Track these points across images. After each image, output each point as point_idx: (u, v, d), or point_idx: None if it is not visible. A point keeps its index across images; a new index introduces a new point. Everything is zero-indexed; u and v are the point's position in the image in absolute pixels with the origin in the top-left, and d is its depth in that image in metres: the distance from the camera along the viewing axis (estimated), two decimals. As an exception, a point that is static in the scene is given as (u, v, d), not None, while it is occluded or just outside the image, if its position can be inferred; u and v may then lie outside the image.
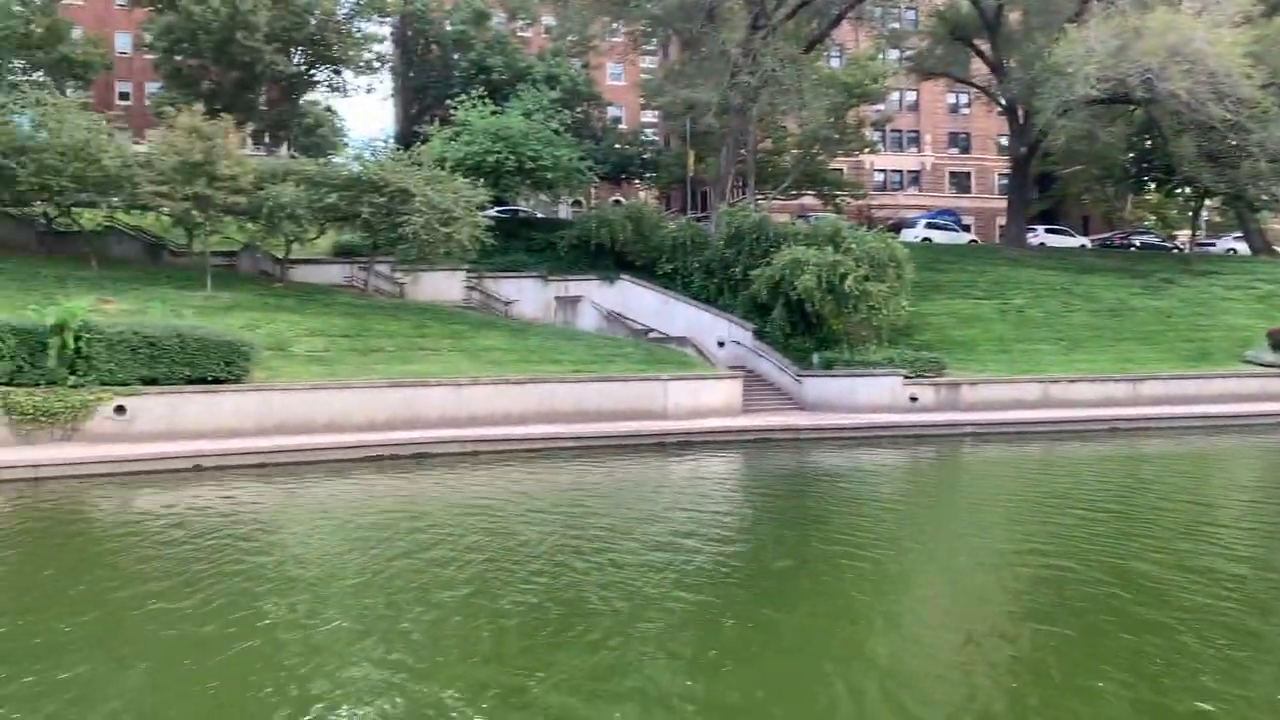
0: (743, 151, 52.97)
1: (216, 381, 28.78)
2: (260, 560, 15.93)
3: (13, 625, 12.40)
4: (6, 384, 26.65)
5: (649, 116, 73.90)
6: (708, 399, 35.18)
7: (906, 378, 37.42)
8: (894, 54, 63.41)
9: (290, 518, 20.87)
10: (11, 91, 36.90)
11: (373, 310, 37.72)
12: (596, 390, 33.53)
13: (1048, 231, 64.20)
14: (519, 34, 65.62)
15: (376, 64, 59.08)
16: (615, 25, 55.30)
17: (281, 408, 29.23)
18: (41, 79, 48.70)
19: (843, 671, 10.85)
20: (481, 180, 40.96)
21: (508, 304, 42.87)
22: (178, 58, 51.06)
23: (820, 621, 12.88)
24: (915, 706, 9.86)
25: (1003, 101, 56.76)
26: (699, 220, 50.03)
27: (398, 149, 42.02)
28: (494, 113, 46.22)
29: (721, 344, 41.15)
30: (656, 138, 71.13)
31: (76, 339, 27.06)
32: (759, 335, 40.81)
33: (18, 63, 49.50)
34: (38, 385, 26.88)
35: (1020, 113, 55.10)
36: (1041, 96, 45.37)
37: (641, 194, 67.54)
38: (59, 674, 10.42)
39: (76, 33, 53.33)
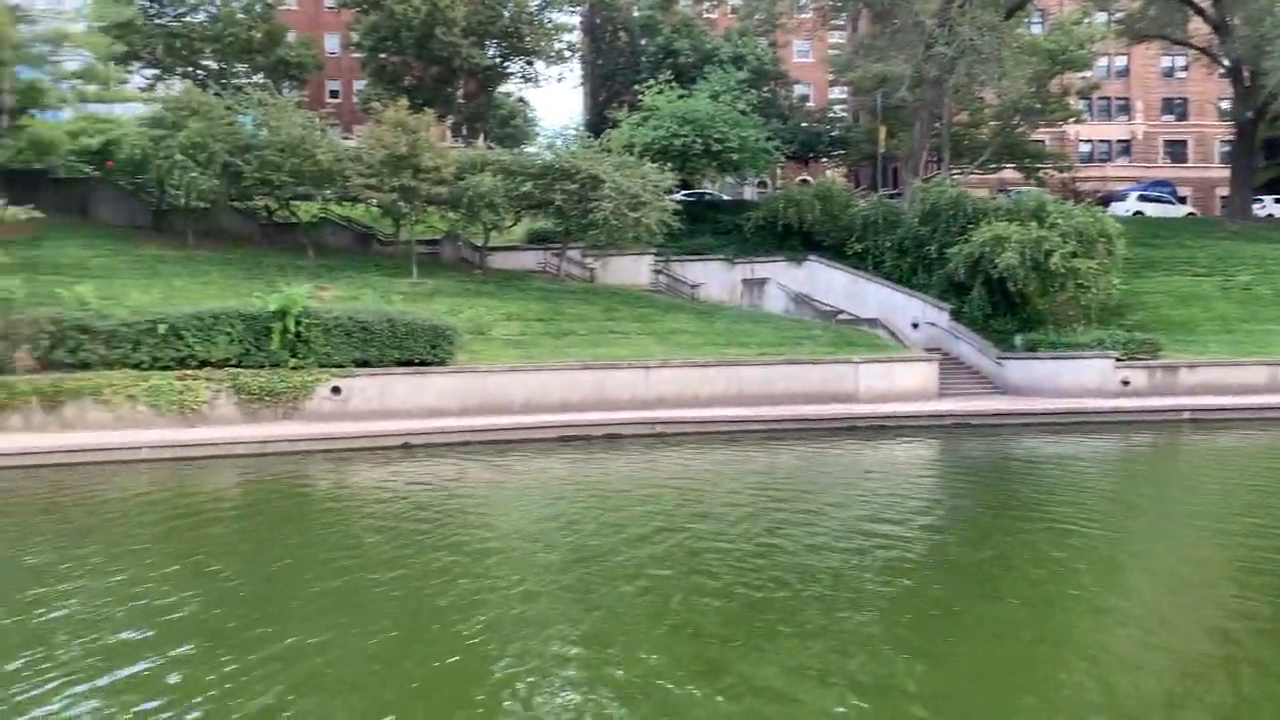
0: (937, 125, 51.17)
1: (423, 364, 30.21)
2: (477, 535, 16.62)
3: (266, 588, 13.39)
4: (236, 366, 28.84)
5: (837, 93, 72.36)
6: (901, 382, 34.23)
7: (1118, 360, 35.25)
8: (1101, 17, 59.55)
9: (501, 495, 21.65)
10: (237, 94, 39.73)
11: (565, 295, 38.63)
12: (785, 373, 33.21)
13: (1277, 202, 58.99)
14: (705, 15, 65.53)
15: (567, 53, 60.31)
16: (803, 1, 54.38)
17: (481, 389, 30.39)
18: (261, 81, 52.26)
19: (1058, 658, 10.34)
20: (668, 164, 41.20)
21: (694, 287, 43.01)
22: (382, 55, 53.70)
23: (1030, 611, 12.29)
24: (1148, 698, 9.27)
25: (1225, 63, 52.42)
26: (890, 198, 48.67)
27: (587, 136, 42.78)
28: (681, 96, 46.37)
29: (915, 325, 39.93)
30: (845, 114, 69.62)
31: (297, 324, 28.95)
32: (956, 316, 39.36)
33: (241, 67, 53.28)
34: (262, 367, 28.95)
35: (1246, 74, 50.72)
36: (1271, 55, 41.65)
37: (829, 172, 66.32)
38: (313, 636, 11.16)
39: (291, 36, 56.89)
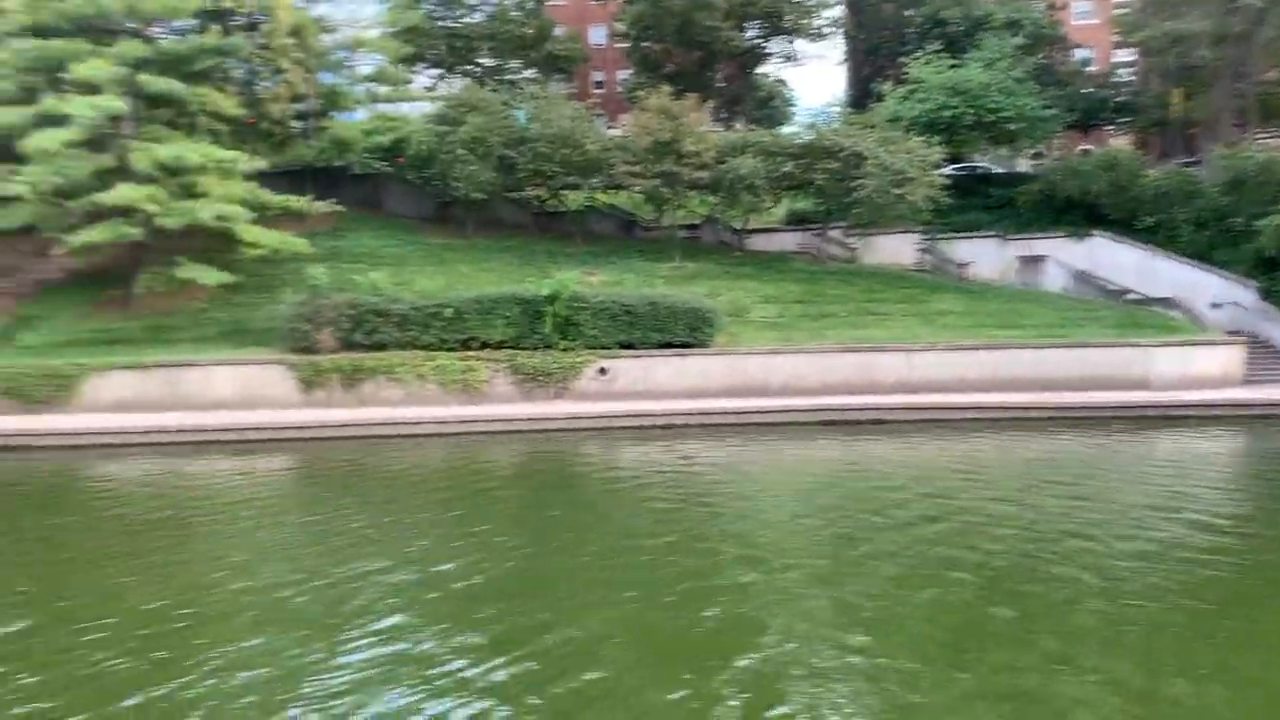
0: (1241, 85, 46.09)
1: (684, 346, 30.65)
2: (750, 514, 16.66)
3: (534, 557, 14.03)
4: (513, 347, 30.40)
5: (1124, 55, 66.78)
6: (1200, 368, 31.21)
7: None
8: None
9: (770, 477, 21.58)
10: (511, 89, 41.76)
11: (824, 276, 37.99)
12: (1064, 357, 31.09)
13: None
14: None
15: (829, 29, 59.09)
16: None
17: (742, 371, 30.45)
18: (532, 76, 54.65)
19: None
20: (936, 138, 39.51)
21: (962, 266, 41.09)
22: (645, 44, 54.75)
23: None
24: None
25: None
26: (1185, 166, 44.40)
27: (849, 113, 41.74)
28: (951, 66, 44.31)
29: (1215, 306, 36.26)
30: (1132, 78, 64.11)
31: (567, 308, 30.12)
32: (1266, 295, 35.41)
33: (514, 62, 55.97)
34: (536, 349, 30.36)
35: None
36: None
37: (1112, 141, 61.34)
38: (572, 601, 11.60)
39: (558, 31, 59.08)
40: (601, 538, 15.00)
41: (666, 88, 39.77)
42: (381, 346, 30.32)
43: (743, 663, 9.75)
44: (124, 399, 29.26)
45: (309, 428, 26.96)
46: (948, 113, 41.72)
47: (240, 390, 29.45)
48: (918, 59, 45.54)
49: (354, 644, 10.14)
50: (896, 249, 41.47)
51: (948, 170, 42.75)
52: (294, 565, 13.17)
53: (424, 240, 39.48)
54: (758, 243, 42.07)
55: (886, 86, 45.86)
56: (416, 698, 8.76)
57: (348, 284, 32.18)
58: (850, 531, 15.39)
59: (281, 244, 33.36)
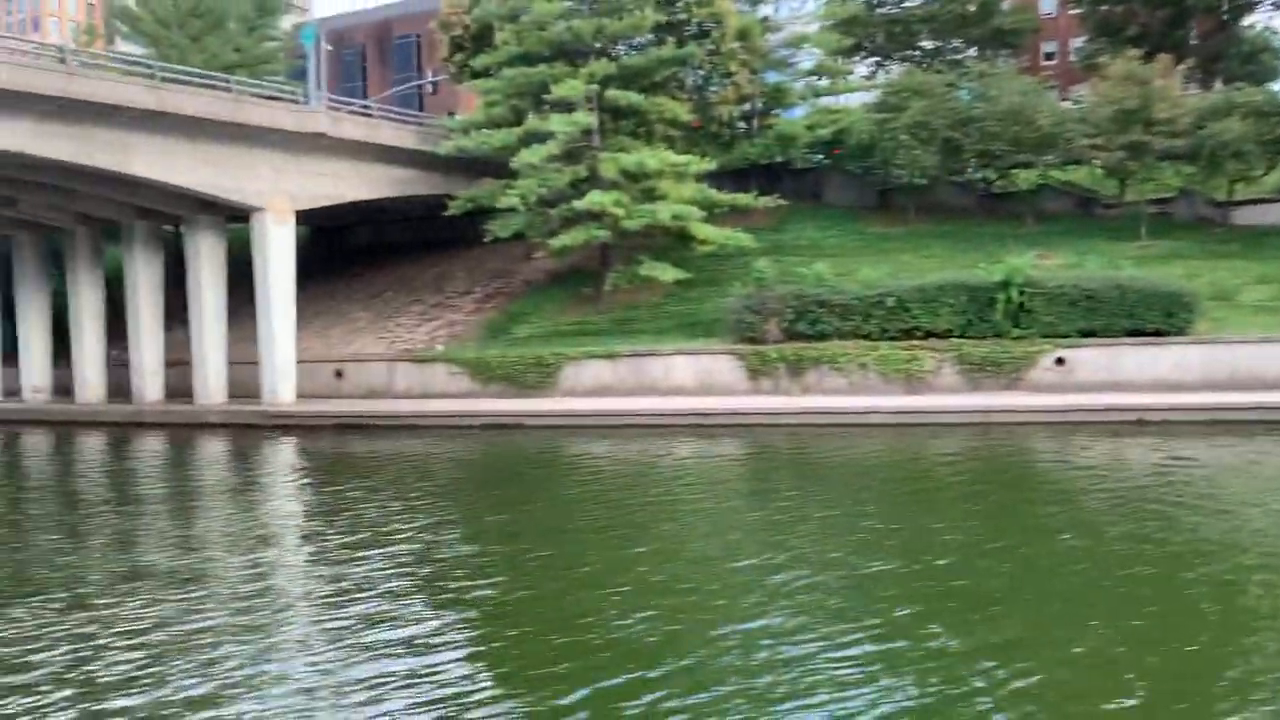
0: None
1: (1156, 333, 27.77)
2: (1222, 530, 14.77)
3: (1026, 559, 13.42)
4: (958, 336, 29.39)
5: None
6: None
7: None
8: None
9: (1256, 484, 18.99)
10: (954, 69, 40.36)
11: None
12: None
13: None
14: None
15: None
16: None
17: (1229, 361, 26.96)
18: (975, 54, 52.34)
19: None
20: None
21: None
22: (1104, 6, 50.30)
23: None
24: None
25: None
26: None
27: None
28: None
29: None
30: None
31: (1020, 293, 28.53)
32: None
33: (955, 42, 53.99)
34: (984, 337, 29.08)
35: None
36: None
37: None
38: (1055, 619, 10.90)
39: (1005, 4, 56.04)
40: (1100, 543, 13.76)
41: (1131, 51, 36.25)
42: (824, 336, 30.71)
43: None
44: (597, 385, 32.32)
45: (757, 414, 28.00)
46: None
47: (696, 378, 31.33)
48: None
49: (853, 635, 9.95)
50: None
51: None
52: (782, 549, 13.44)
53: (864, 230, 39.39)
54: (1246, 216, 36.95)
55: None
56: (929, 700, 8.42)
57: (791, 276, 32.95)
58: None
59: (729, 240, 34.99)
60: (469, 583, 12.27)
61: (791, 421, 27.43)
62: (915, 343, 29.63)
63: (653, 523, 15.79)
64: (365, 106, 38.75)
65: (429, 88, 55.53)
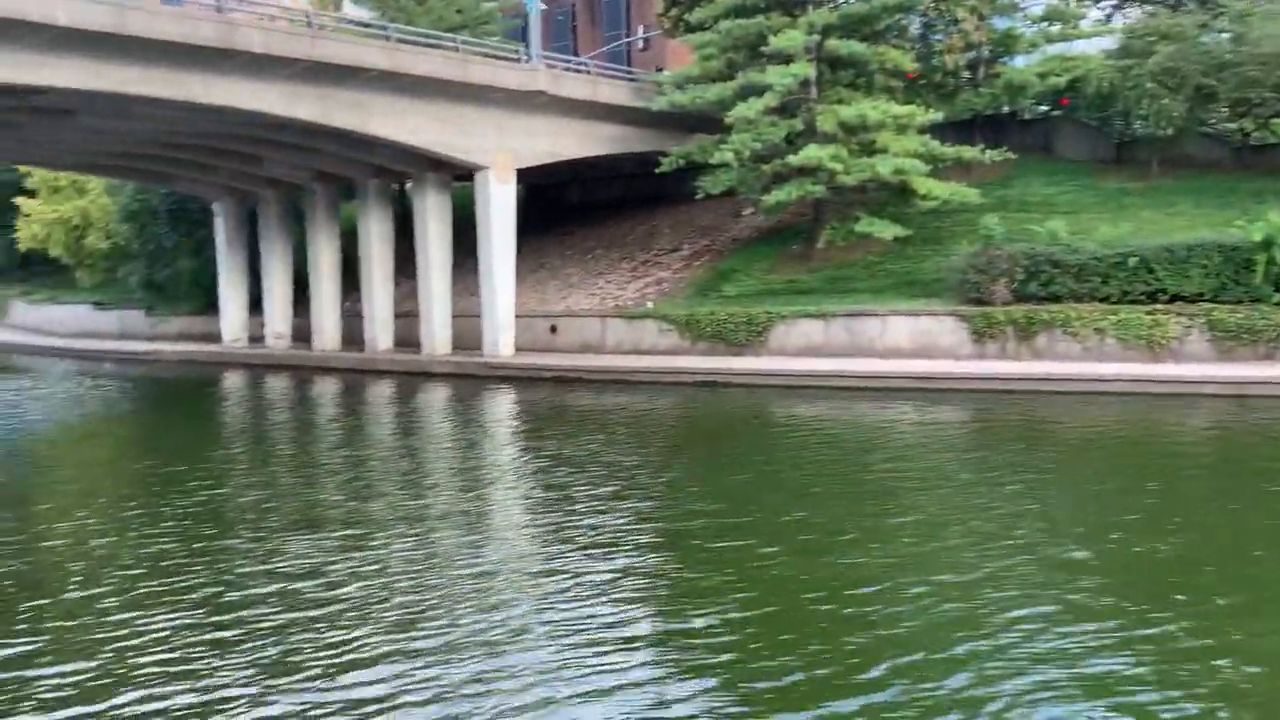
0: None
1: None
2: None
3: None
4: (1210, 300, 27.12)
5: None
6: None
7: None
8: None
9: None
10: (1205, 9, 36.88)
11: None
12: None
13: None
14: None
15: None
16: None
17: None
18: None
19: None
20: None
21: None
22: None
23: None
24: None
25: None
26: None
27: None
28: None
29: None
30: None
31: (1285, 255, 26.04)
32: None
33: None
34: (1238, 303, 26.72)
35: None
36: None
37: None
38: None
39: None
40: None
41: None
42: (1057, 298, 29.00)
43: None
44: (807, 345, 31.78)
45: (981, 379, 26.81)
46: None
47: (914, 340, 30.29)
48: None
49: (1164, 624, 9.21)
50: None
51: None
52: (1058, 525, 12.66)
53: (1100, 185, 36.80)
54: None
55: None
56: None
57: (1021, 234, 31.24)
58: None
59: (953, 195, 33.49)
60: (728, 543, 12.19)
61: (1020, 388, 26.11)
62: (1159, 307, 27.55)
63: (903, 490, 15.27)
64: (582, 64, 39.15)
65: (640, 44, 55.58)
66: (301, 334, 43.52)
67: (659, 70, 46.13)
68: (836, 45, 33.77)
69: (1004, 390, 26.07)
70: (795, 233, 38.86)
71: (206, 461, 19.03)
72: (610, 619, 9.52)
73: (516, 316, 36.47)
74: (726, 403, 26.78)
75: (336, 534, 12.80)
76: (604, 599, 10.10)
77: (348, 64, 29.52)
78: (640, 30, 57.89)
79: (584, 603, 10.01)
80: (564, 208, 50.44)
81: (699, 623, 9.36)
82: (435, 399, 29.50)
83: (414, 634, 9.16)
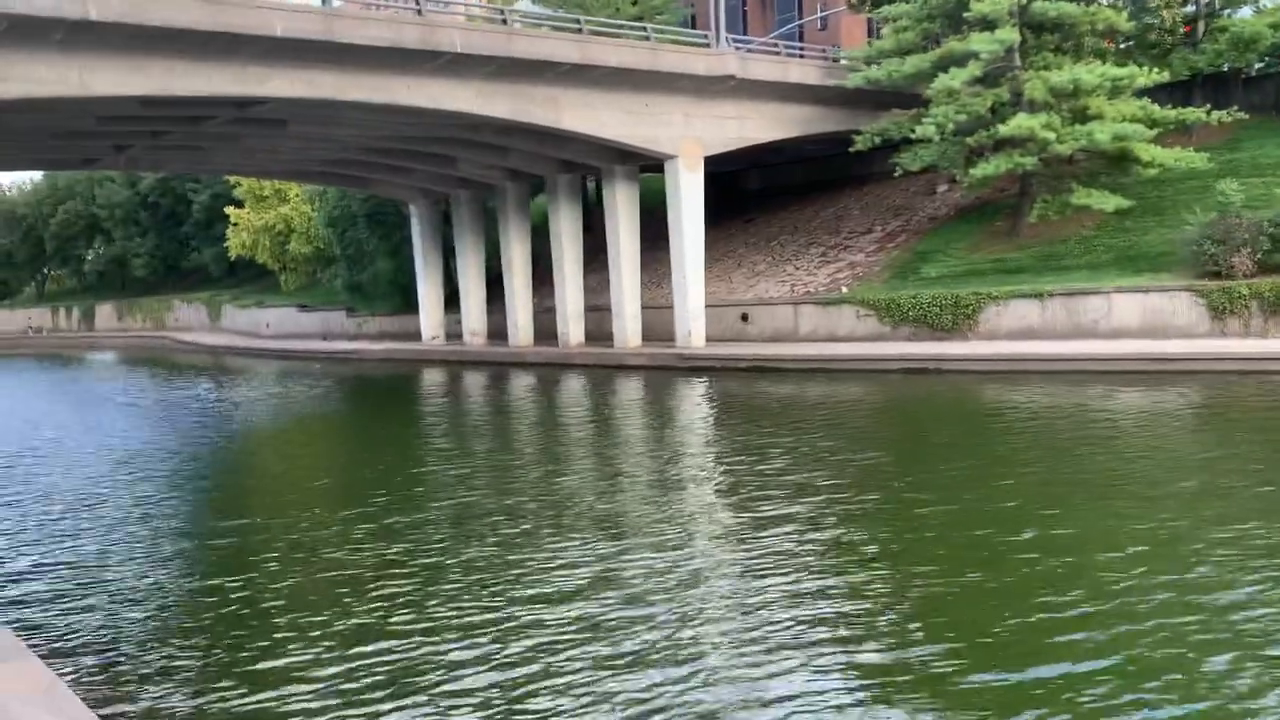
0: None
1: None
2: None
3: None
4: None
5: None
6: None
7: None
8: None
9: None
10: None
11: None
12: None
13: None
14: None
15: None
16: None
17: None
18: None
19: None
20: None
21: None
22: None
23: None
24: None
25: None
26: None
27: None
28: None
29: None
30: None
31: None
32: None
33: None
34: None
35: None
36: None
37: None
38: None
39: None
40: None
41: None
42: (1309, 269, 26.34)
43: None
44: (1022, 327, 30.00)
45: (1220, 359, 24.47)
46: None
47: (1142, 318, 28.11)
48: None
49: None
50: None
51: None
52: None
53: (1348, 144, 33.36)
54: None
55: None
56: None
57: (1262, 200, 28.54)
58: None
59: (1179, 161, 30.97)
60: (991, 532, 11.25)
61: (1267, 368, 23.73)
62: None
63: (1164, 486, 13.78)
64: (771, 45, 38.24)
65: (818, 24, 54.14)
66: (494, 330, 44.39)
67: (835, 48, 44.73)
68: (1044, 7, 31.69)
69: (1247, 370, 23.78)
70: (997, 209, 36.91)
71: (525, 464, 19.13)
72: (877, 624, 8.78)
73: (705, 306, 35.97)
74: (941, 390, 25.43)
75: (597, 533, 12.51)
76: (859, 597, 9.37)
77: (542, 59, 29.63)
78: (818, 8, 56.51)
79: (832, 600, 9.30)
80: (742, 195, 49.69)
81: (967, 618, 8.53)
82: (647, 392, 29.03)
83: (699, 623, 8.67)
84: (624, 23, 34.24)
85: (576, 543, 11.72)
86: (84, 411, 29.67)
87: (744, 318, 37.11)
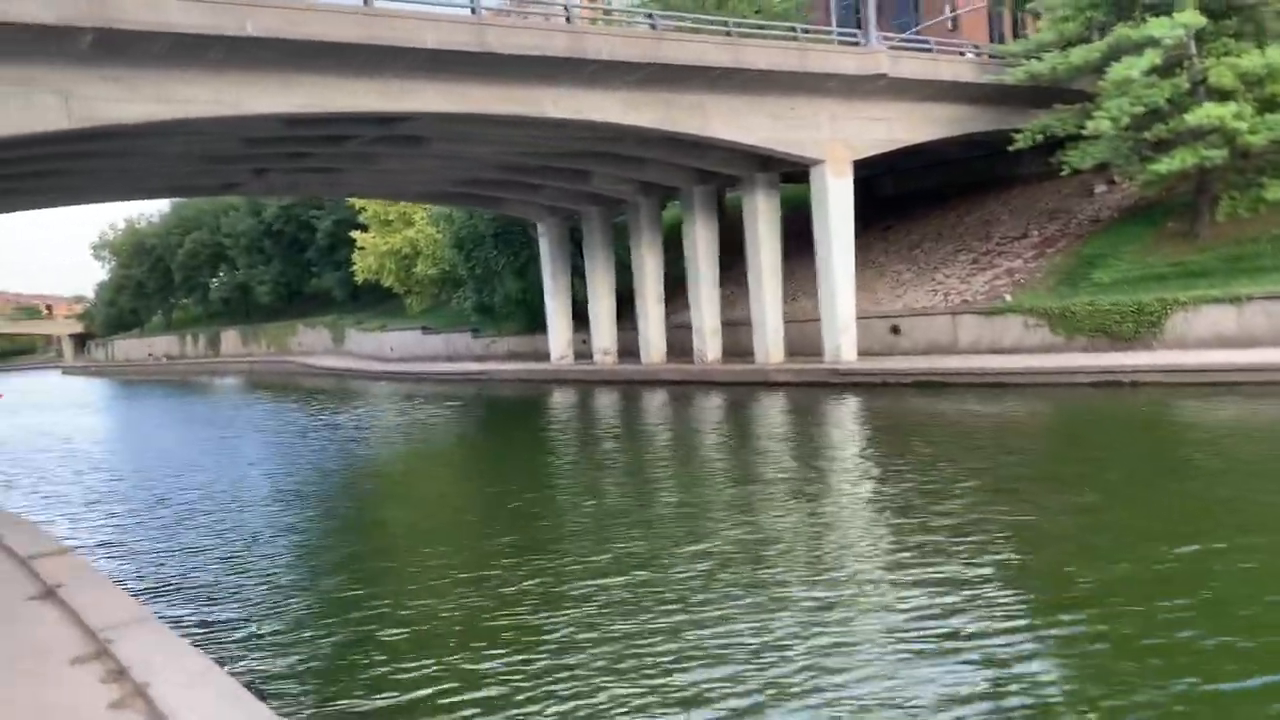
0: None
1: None
2: None
3: None
4: None
5: None
6: None
7: None
8: None
9: None
10: None
11: None
12: None
13: None
14: None
15: None
16: None
17: None
18: None
19: None
20: None
21: None
22: None
23: None
24: None
25: None
26: None
27: None
28: None
29: None
30: None
31: None
32: None
33: None
34: None
35: None
36: None
37: None
38: None
39: None
40: None
41: None
42: None
43: None
44: (1214, 335, 27.49)
45: None
46: None
47: (1361, 322, 25.40)
48: None
49: None
50: None
51: None
52: None
53: None
54: None
55: None
56: None
57: None
58: None
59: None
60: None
61: None
62: None
63: None
64: (922, 41, 36.27)
65: (948, 24, 51.88)
66: (625, 348, 43.26)
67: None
68: (1230, -11, 29.24)
69: None
70: (1166, 209, 34.24)
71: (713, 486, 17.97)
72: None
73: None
74: (1143, 405, 23.17)
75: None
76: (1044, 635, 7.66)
77: (690, 64, 28.37)
78: (946, 10, 54.29)
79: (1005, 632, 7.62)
80: (877, 200, 47.53)
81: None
82: (809, 412, 27.29)
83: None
84: (770, 23, 32.80)
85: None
86: (242, 447, 29.39)
87: (894, 330, 35.18)
